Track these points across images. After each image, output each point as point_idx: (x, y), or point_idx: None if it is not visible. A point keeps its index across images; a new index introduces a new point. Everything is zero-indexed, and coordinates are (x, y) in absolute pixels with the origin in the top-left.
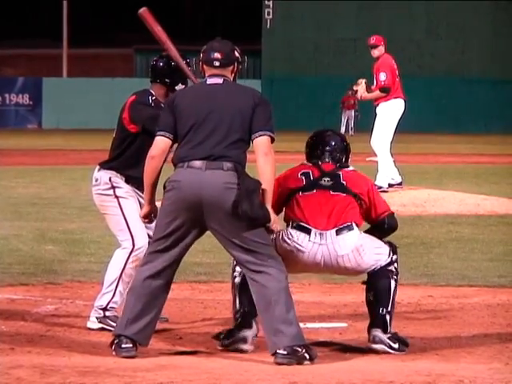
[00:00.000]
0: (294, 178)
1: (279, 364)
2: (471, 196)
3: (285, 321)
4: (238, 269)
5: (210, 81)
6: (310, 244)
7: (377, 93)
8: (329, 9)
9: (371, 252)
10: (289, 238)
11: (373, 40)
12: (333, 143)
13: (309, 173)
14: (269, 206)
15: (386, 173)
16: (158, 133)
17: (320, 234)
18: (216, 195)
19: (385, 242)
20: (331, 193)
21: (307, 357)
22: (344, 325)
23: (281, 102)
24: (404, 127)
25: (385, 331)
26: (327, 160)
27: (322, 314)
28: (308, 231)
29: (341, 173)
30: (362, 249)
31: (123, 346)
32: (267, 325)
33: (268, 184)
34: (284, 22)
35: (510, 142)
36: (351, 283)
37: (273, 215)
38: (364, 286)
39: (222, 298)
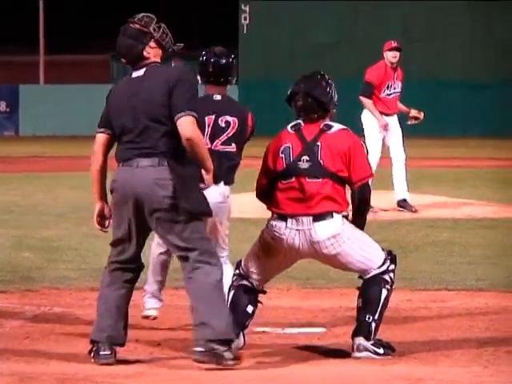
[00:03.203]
0: (276, 156)
1: (197, 362)
2: (449, 200)
3: (212, 315)
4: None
5: (134, 74)
6: (287, 230)
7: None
8: (305, 14)
9: (356, 247)
10: (269, 228)
11: (395, 43)
12: (309, 99)
13: (289, 148)
14: (209, 163)
15: None
16: (97, 129)
17: (296, 219)
18: (148, 192)
19: (384, 250)
20: (307, 180)
21: (226, 356)
22: (322, 330)
23: (258, 107)
24: None
25: (367, 338)
26: (304, 119)
27: (300, 320)
28: (285, 218)
29: (319, 143)
30: (341, 238)
31: (101, 352)
32: (195, 319)
33: (202, 157)
34: (261, 27)
35: (489, 146)
36: (329, 289)
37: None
38: (356, 292)
39: None
